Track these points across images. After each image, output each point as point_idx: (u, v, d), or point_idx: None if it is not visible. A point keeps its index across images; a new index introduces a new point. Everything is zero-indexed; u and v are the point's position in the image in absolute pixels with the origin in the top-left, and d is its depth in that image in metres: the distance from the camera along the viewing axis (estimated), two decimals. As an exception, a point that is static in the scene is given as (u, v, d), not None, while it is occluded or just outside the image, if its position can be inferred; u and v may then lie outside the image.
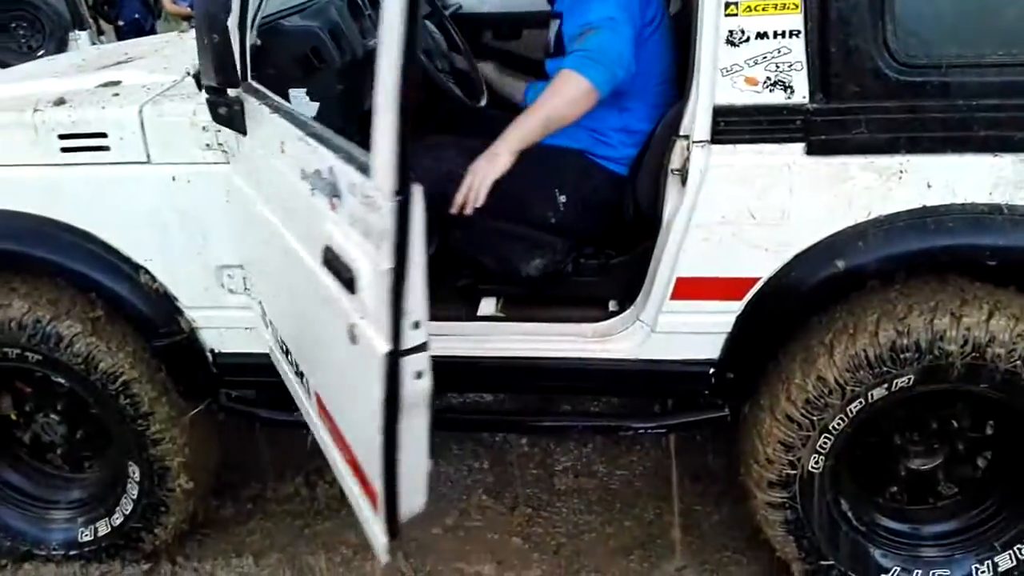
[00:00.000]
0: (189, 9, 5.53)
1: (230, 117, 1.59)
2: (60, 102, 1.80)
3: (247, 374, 1.96)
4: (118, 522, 2.06)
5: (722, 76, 1.56)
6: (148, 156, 1.76)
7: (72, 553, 2.09)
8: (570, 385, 1.96)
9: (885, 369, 1.62)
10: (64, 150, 1.78)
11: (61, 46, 5.92)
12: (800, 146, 1.57)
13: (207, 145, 1.73)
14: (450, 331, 1.87)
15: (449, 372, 1.88)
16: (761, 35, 1.53)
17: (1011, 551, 1.79)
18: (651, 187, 1.75)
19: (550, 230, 1.88)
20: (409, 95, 1.12)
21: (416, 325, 1.24)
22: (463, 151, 1.95)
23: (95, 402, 1.96)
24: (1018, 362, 1.58)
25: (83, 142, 1.76)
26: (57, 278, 1.88)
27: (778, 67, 1.54)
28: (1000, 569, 1.80)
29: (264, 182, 1.61)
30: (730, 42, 1.54)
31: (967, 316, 1.58)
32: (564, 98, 1.70)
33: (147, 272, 1.85)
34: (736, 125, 1.57)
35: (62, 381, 1.97)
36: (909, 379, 1.63)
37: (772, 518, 1.82)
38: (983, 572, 1.81)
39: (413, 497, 1.41)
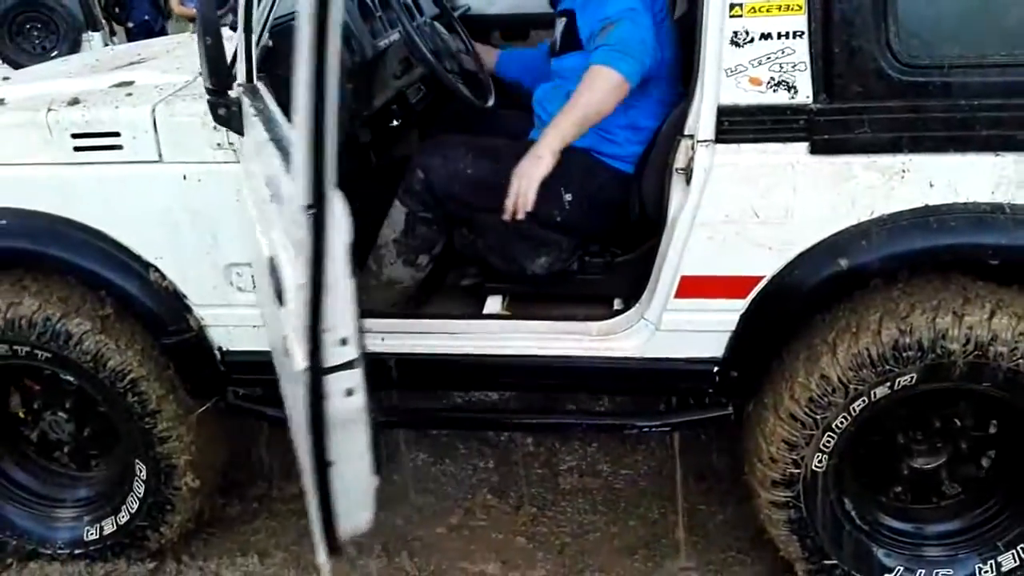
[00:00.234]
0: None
1: (228, 118, 1.63)
2: (74, 102, 1.83)
3: (254, 372, 1.96)
4: (124, 520, 2.07)
5: (726, 76, 1.58)
6: (160, 155, 1.78)
7: (77, 552, 2.10)
8: (575, 383, 1.97)
9: (888, 367, 1.63)
10: (77, 149, 1.80)
11: (75, 47, 5.99)
12: (804, 145, 1.58)
13: (218, 144, 1.75)
14: (456, 329, 1.89)
15: (454, 370, 1.92)
16: (765, 36, 1.55)
17: (1015, 550, 1.79)
18: (656, 186, 1.77)
19: (555, 228, 1.90)
20: (323, 107, 1.10)
21: (344, 342, 1.22)
22: (471, 150, 1.97)
23: (103, 400, 1.97)
24: (1020, 360, 1.59)
25: (96, 141, 1.78)
26: (68, 276, 1.89)
27: (782, 67, 1.56)
28: (1003, 568, 1.80)
29: (249, 184, 1.64)
30: (734, 43, 1.56)
31: (969, 315, 1.60)
32: (598, 93, 1.74)
33: (157, 270, 1.86)
34: (740, 125, 1.59)
35: (70, 379, 1.98)
36: (912, 377, 1.64)
37: (776, 517, 1.82)
38: (986, 572, 1.81)
39: (356, 514, 1.38)
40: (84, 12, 6.19)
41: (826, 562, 1.83)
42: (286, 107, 1.77)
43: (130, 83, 1.95)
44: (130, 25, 6.69)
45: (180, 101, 1.79)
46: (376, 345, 1.89)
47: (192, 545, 2.19)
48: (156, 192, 1.80)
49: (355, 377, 1.24)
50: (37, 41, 6.22)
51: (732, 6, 1.55)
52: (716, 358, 1.77)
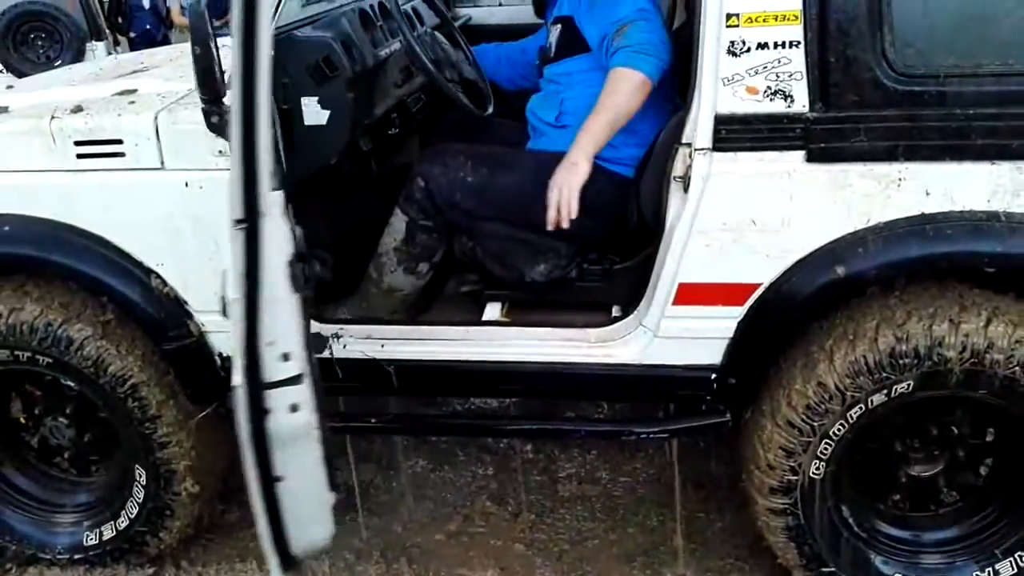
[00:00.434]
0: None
1: (221, 126, 1.63)
2: (77, 110, 1.84)
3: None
4: (123, 526, 2.07)
5: (724, 85, 1.59)
6: (162, 162, 1.79)
7: (77, 557, 2.10)
8: (573, 390, 1.97)
9: (884, 375, 1.64)
10: (80, 156, 1.81)
11: (78, 57, 6.02)
12: (800, 154, 1.60)
13: (219, 152, 1.76)
14: (455, 336, 1.90)
15: (454, 376, 1.93)
16: (761, 45, 1.56)
17: (1012, 558, 1.79)
18: (654, 194, 1.78)
19: (554, 235, 1.91)
20: (254, 120, 1.09)
21: (286, 357, 1.21)
22: (471, 158, 1.99)
23: (103, 405, 1.98)
24: (1016, 368, 1.60)
25: (99, 148, 1.80)
26: (69, 282, 1.91)
27: (778, 77, 1.57)
28: (1001, 576, 1.80)
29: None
30: (731, 52, 1.58)
31: (966, 322, 1.60)
32: (623, 95, 1.77)
33: (158, 276, 1.87)
34: (737, 133, 1.61)
35: (71, 384, 1.99)
36: (908, 385, 1.65)
37: (773, 524, 1.83)
38: (984, 579, 1.81)
39: (311, 530, 1.37)
40: (88, 22, 6.22)
41: (824, 569, 1.83)
42: (284, 115, 1.80)
43: (133, 91, 1.97)
44: (132, 35, 6.75)
45: (182, 109, 1.81)
46: (376, 351, 1.90)
47: (191, 551, 2.19)
48: (158, 199, 1.81)
49: (300, 393, 1.23)
50: (41, 51, 6.26)
51: (729, 16, 1.56)
52: (714, 365, 1.78)
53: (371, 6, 2.15)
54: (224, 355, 1.96)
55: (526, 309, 2.01)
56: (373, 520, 2.27)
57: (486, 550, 2.16)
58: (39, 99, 1.99)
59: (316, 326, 1.92)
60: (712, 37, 1.58)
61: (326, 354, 1.89)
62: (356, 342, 1.91)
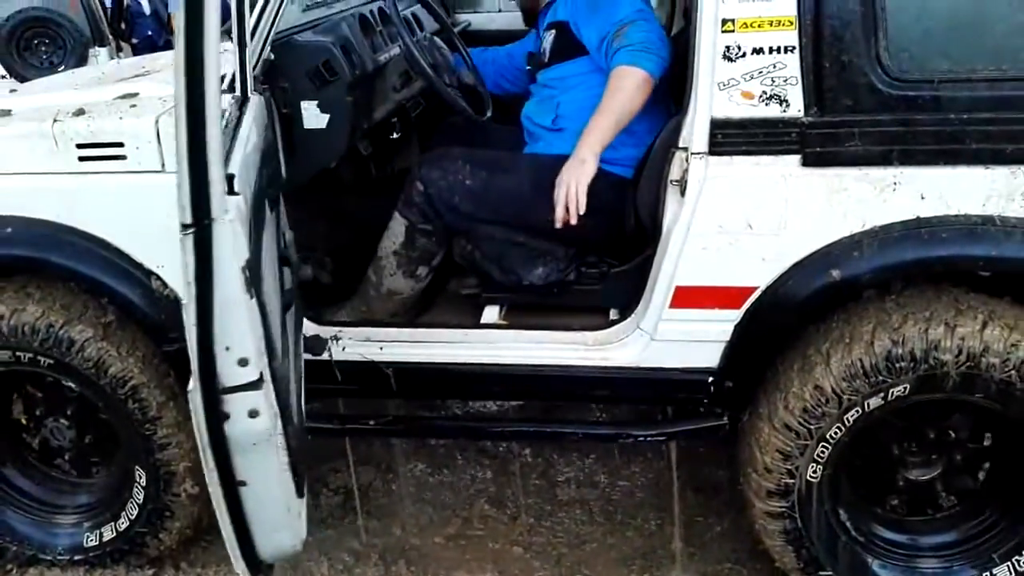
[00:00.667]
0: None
1: None
2: (79, 113, 1.86)
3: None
4: (123, 527, 2.07)
5: (719, 90, 1.60)
6: (163, 165, 1.80)
7: (77, 558, 2.10)
8: (571, 392, 1.98)
9: (880, 378, 1.64)
10: (82, 159, 1.82)
11: (81, 62, 6.03)
12: (796, 158, 1.61)
13: (220, 155, 1.78)
14: (453, 338, 1.91)
15: (452, 379, 1.94)
16: (757, 50, 1.58)
17: (1010, 563, 1.79)
18: (651, 198, 1.79)
19: (553, 238, 1.92)
20: (199, 122, 1.07)
21: (243, 362, 1.19)
22: (470, 162, 2.00)
23: (104, 406, 1.98)
24: (1012, 372, 1.60)
25: (100, 151, 1.81)
26: (71, 283, 1.92)
27: (774, 81, 1.58)
28: (999, 580, 1.80)
29: None
30: (727, 57, 1.59)
31: (961, 326, 1.61)
32: (627, 93, 1.79)
33: (159, 278, 1.88)
34: (733, 137, 1.62)
35: (72, 385, 2.00)
36: (905, 388, 1.65)
37: (771, 528, 1.83)
38: (982, 584, 1.81)
39: (277, 536, 1.36)
40: (91, 27, 6.25)
41: (821, 573, 1.83)
42: (284, 119, 1.82)
43: (134, 95, 1.98)
44: (134, 41, 6.78)
45: (183, 112, 1.82)
46: (375, 354, 1.91)
47: (191, 552, 2.19)
48: (159, 201, 1.81)
49: (259, 399, 1.22)
50: (44, 56, 6.27)
51: (724, 21, 1.57)
52: (711, 368, 1.79)
53: (371, 11, 2.17)
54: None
55: (524, 312, 2.02)
56: (372, 522, 2.27)
57: (484, 553, 2.16)
58: (41, 102, 2.00)
59: (315, 328, 1.94)
60: (708, 42, 1.60)
61: (325, 356, 1.91)
62: (355, 344, 1.93)
